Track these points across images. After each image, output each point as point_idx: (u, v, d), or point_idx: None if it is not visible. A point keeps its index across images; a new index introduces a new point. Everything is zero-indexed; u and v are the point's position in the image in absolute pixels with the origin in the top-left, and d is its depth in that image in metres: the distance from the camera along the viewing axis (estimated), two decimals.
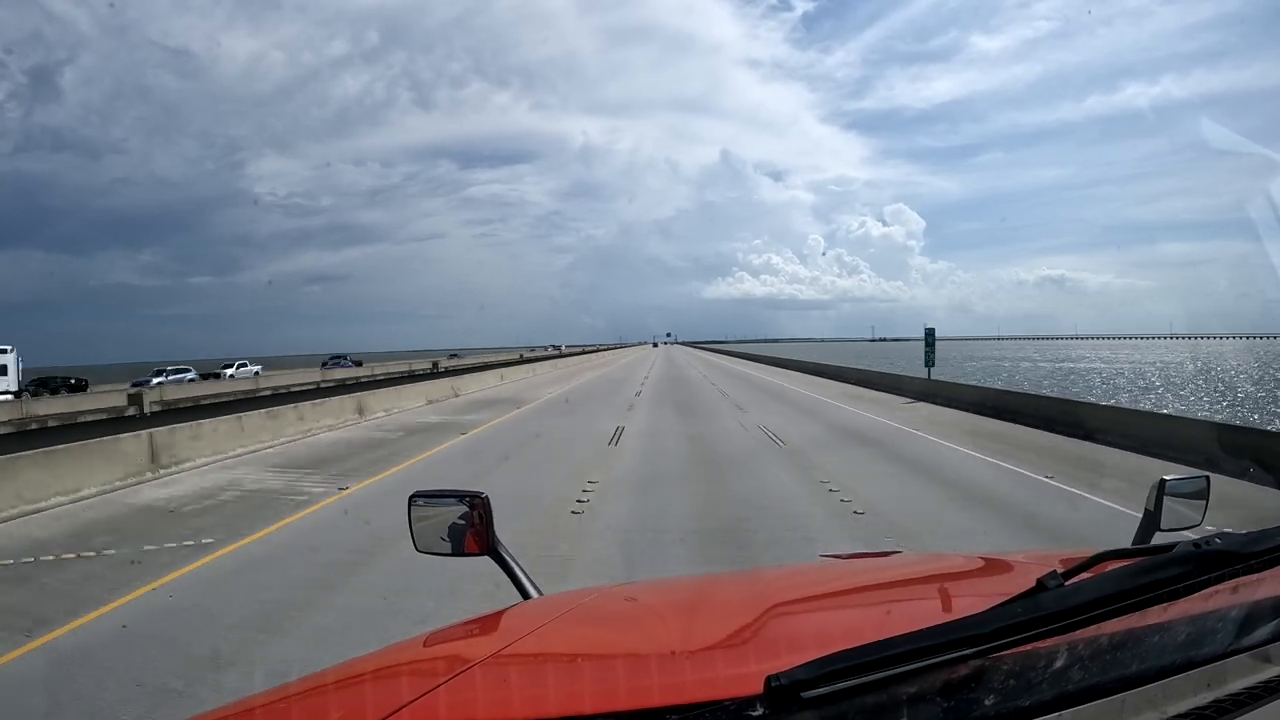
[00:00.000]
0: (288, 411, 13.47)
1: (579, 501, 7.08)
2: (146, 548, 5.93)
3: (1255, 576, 0.78)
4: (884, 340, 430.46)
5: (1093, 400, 18.94)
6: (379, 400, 17.29)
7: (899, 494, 7.45)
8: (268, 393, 26.98)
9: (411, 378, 28.74)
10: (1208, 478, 1.49)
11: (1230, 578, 0.75)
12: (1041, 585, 0.69)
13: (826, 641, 0.66)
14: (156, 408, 21.25)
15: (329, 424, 14.12)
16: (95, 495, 8.26)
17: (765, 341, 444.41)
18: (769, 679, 0.60)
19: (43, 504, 7.73)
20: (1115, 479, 7.74)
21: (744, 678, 0.65)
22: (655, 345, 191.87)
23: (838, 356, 52.49)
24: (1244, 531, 0.81)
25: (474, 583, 4.16)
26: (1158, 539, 1.32)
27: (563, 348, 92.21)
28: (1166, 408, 22.37)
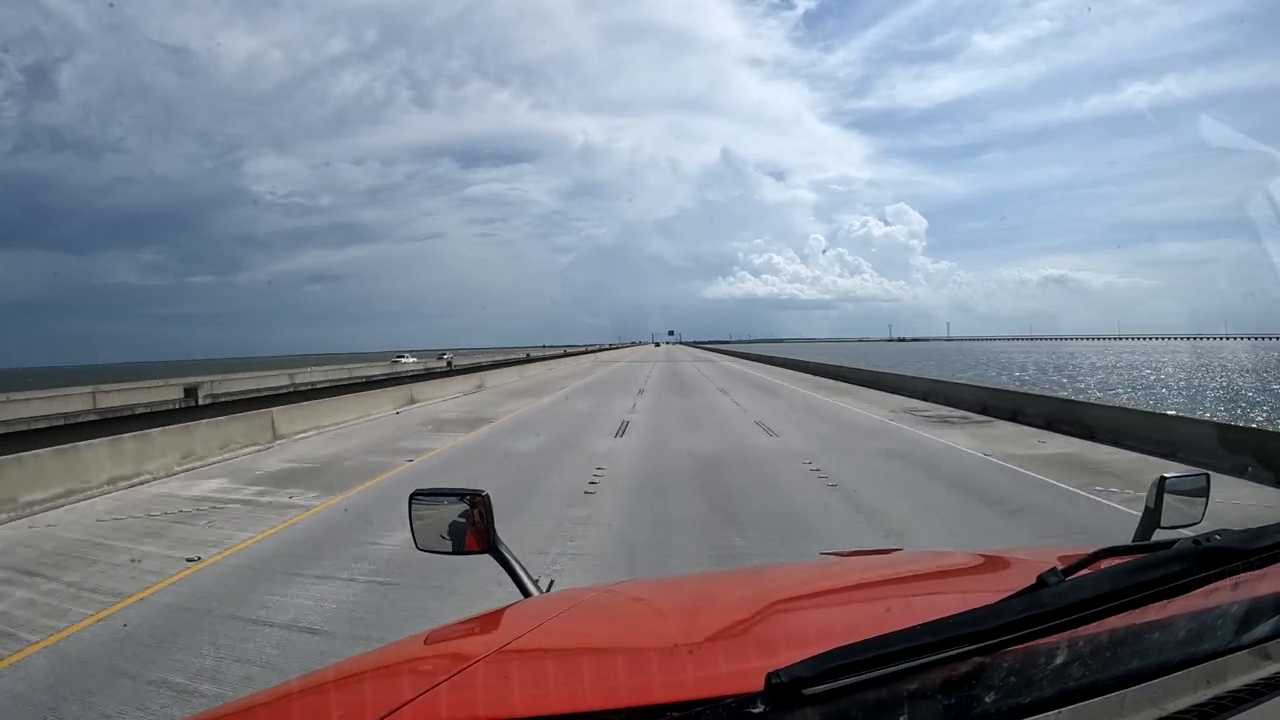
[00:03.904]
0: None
1: None
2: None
3: (1256, 573, 0.78)
4: (903, 340, 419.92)
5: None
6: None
7: None
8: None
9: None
10: (1207, 475, 1.49)
11: (1230, 574, 0.75)
12: (1042, 582, 0.69)
13: (827, 638, 0.66)
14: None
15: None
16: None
17: (769, 341, 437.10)
18: (770, 676, 0.60)
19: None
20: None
21: (745, 674, 0.65)
22: (658, 345, 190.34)
23: (883, 361, 48.05)
24: (1244, 528, 0.81)
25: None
26: (1158, 536, 1.32)
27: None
28: None
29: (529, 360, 47.23)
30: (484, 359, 54.71)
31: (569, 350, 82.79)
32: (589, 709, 0.70)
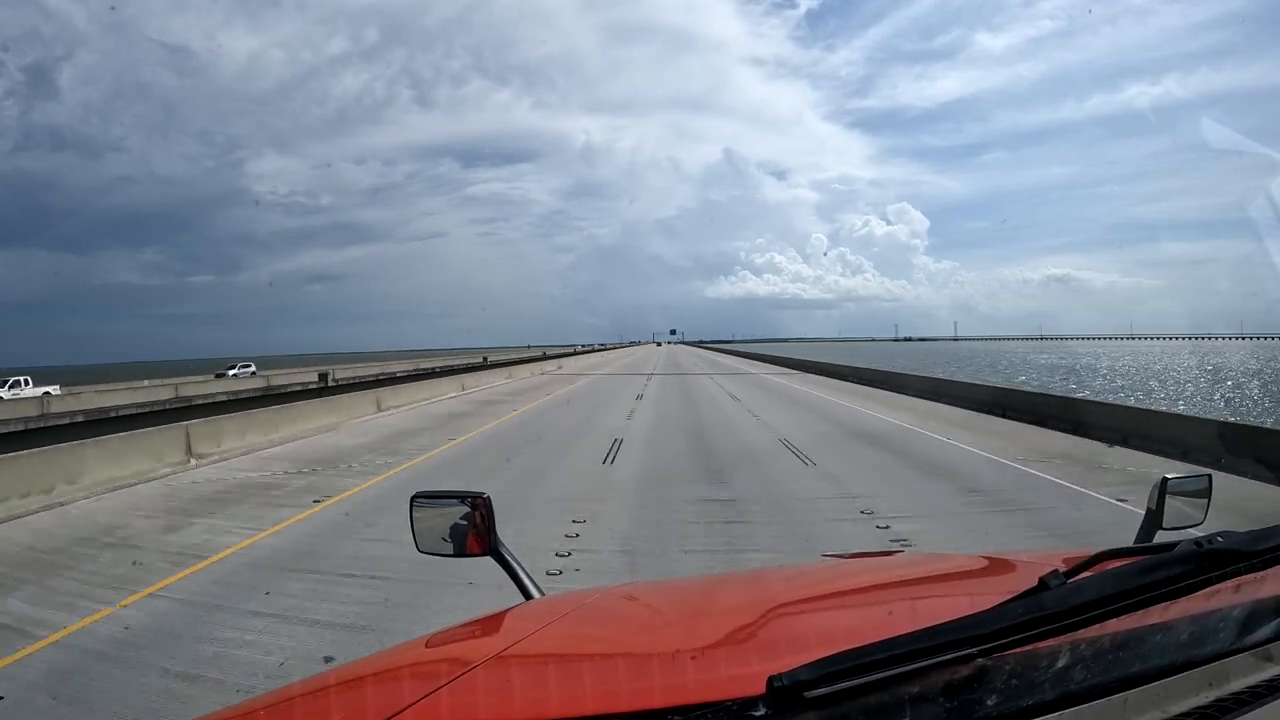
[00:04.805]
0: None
1: None
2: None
3: (1257, 575, 0.78)
4: (909, 340, 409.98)
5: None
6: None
7: None
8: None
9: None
10: (1209, 476, 1.48)
11: (1232, 576, 0.75)
12: (1043, 584, 0.69)
13: (829, 641, 0.66)
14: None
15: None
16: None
17: (772, 341, 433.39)
18: (771, 679, 0.60)
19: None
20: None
21: (746, 678, 0.65)
22: (659, 345, 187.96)
23: (903, 362, 41.89)
24: (1246, 530, 0.81)
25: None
26: (1160, 538, 1.32)
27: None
28: None
29: (485, 365, 36.80)
30: (426, 362, 46.07)
31: (548, 353, 65.47)
32: (590, 713, 0.70)
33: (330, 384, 29.80)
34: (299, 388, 28.40)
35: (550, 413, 16.67)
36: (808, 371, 33.48)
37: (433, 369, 38.93)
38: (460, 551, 1.48)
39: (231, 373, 42.66)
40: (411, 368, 42.77)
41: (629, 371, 37.47)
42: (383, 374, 35.44)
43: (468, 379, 26.56)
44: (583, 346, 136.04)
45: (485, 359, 51.02)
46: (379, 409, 17.33)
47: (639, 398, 19.70)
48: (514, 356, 55.60)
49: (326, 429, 13.63)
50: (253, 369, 45.28)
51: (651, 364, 46.82)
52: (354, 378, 33.89)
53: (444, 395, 21.82)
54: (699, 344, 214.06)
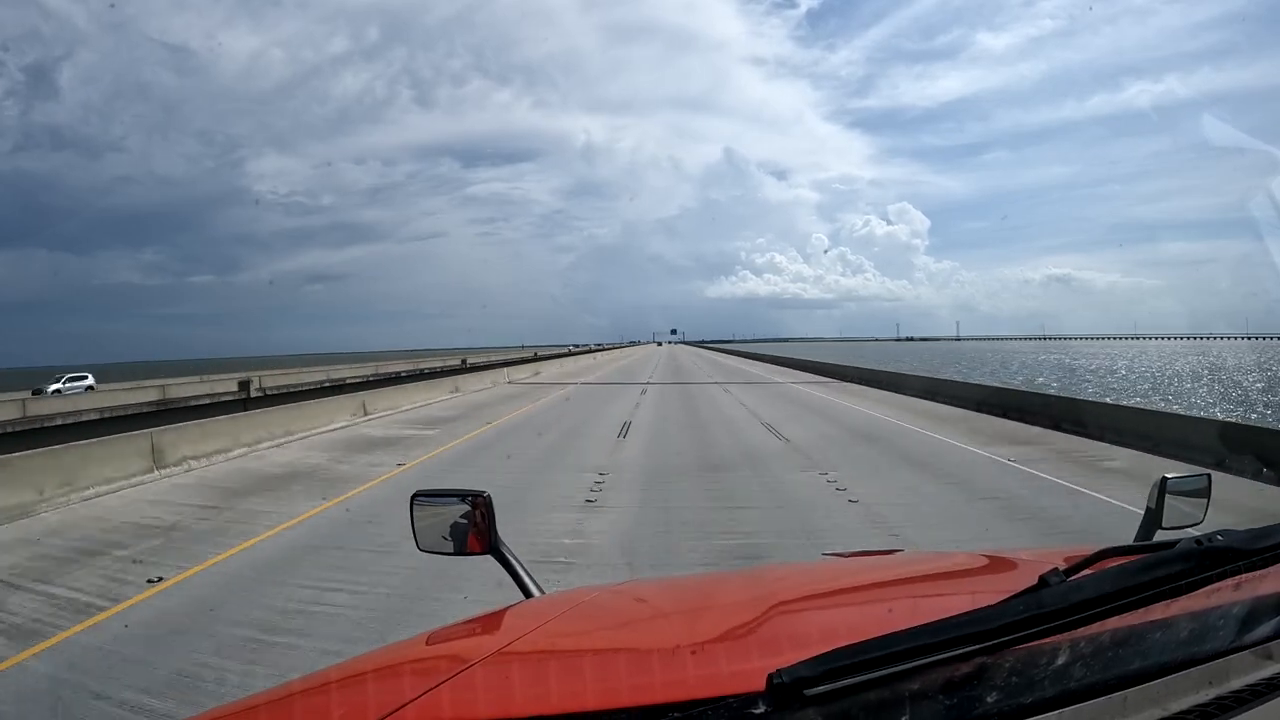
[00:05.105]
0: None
1: None
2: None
3: (1258, 573, 0.78)
4: (911, 340, 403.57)
5: None
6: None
7: None
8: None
9: None
10: (1209, 475, 1.48)
11: (1232, 574, 0.75)
12: (1044, 582, 0.69)
13: (829, 638, 0.66)
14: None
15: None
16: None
17: (773, 341, 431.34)
18: (771, 676, 0.61)
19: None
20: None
21: (746, 675, 0.65)
22: (659, 345, 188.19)
23: (916, 363, 39.83)
24: (1246, 529, 0.81)
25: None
26: (1160, 537, 1.32)
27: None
28: None
29: (462, 369, 31.58)
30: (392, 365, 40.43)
31: (539, 354, 57.98)
32: (590, 709, 0.70)
33: (252, 395, 23.20)
34: (208, 401, 21.44)
35: (462, 470, 9.08)
36: (841, 379, 24.54)
37: (387, 376, 32.72)
38: (460, 550, 1.49)
39: (52, 388, 30.06)
40: (372, 372, 36.91)
41: (621, 380, 28.39)
42: (328, 381, 29.94)
43: (378, 397, 16.95)
44: (576, 347, 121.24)
45: (464, 361, 44.49)
46: (155, 466, 8.88)
47: (623, 434, 11.91)
48: (495, 359, 47.41)
49: None
50: (89, 382, 32.17)
51: (650, 369, 38.24)
52: (283, 386, 26.48)
53: (318, 428, 12.89)
54: (700, 344, 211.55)
